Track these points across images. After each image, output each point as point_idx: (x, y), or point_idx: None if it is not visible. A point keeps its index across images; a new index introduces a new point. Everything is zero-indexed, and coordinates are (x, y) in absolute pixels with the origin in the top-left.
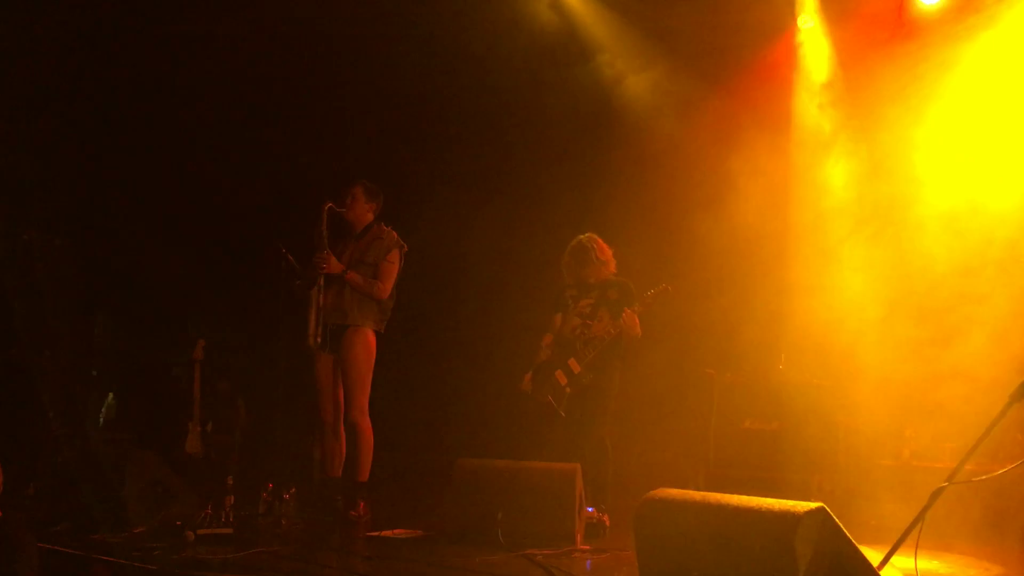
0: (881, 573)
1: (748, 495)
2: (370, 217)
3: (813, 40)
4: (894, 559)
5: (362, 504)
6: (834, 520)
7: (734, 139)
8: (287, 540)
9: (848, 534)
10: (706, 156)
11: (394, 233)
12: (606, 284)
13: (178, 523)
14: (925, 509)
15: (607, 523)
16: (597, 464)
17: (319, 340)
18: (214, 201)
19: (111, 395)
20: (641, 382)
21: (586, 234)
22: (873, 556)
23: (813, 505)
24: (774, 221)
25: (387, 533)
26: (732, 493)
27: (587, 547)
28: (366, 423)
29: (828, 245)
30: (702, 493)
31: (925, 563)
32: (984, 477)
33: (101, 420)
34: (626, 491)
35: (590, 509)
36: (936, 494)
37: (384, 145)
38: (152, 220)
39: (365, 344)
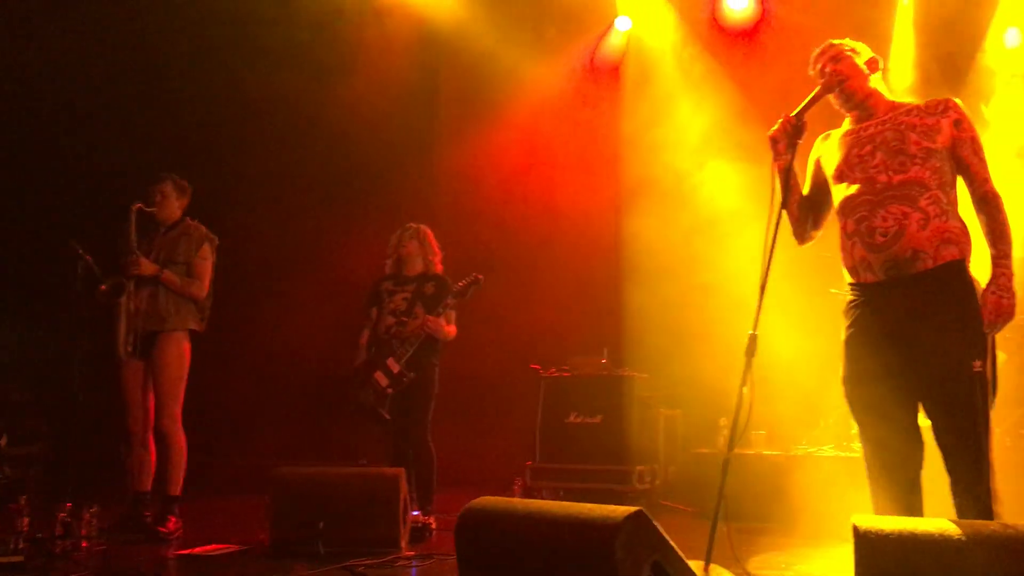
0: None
1: (573, 487)
2: (179, 214)
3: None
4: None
5: (172, 519)
6: (653, 524)
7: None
8: (86, 565)
9: (668, 537)
10: (530, 148)
11: (202, 227)
12: (424, 278)
13: None
14: (721, 485)
15: (433, 526)
16: (421, 466)
17: (130, 348)
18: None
19: None
20: (468, 379)
21: None
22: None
23: (631, 509)
24: (603, 216)
25: (200, 550)
26: (558, 485)
27: (412, 552)
28: (178, 432)
29: (654, 240)
30: (524, 501)
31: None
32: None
33: None
34: (453, 491)
35: (415, 512)
36: (724, 466)
37: (189, 140)
38: None
39: (179, 350)
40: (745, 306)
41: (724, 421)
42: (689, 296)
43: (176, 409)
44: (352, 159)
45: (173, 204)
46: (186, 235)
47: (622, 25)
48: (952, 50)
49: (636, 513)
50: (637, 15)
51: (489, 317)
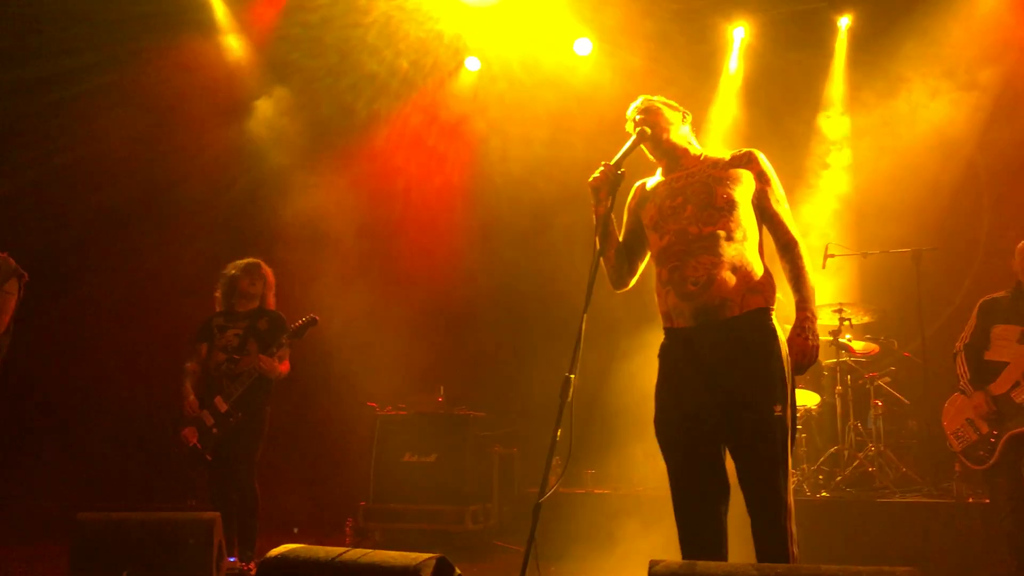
0: None
1: (406, 527)
2: None
3: None
4: None
5: None
6: (453, 570)
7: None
8: None
9: None
10: (377, 183)
11: (11, 260)
12: (257, 314)
13: None
14: (532, 529)
15: (253, 573)
16: (244, 510)
17: None
18: None
19: None
20: (302, 418)
21: None
22: None
23: (430, 556)
24: (442, 253)
25: None
26: (391, 527)
27: None
28: None
29: (492, 278)
30: (327, 548)
31: None
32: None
33: None
34: (284, 535)
35: (232, 559)
36: (536, 512)
37: None
38: None
39: None
40: (587, 343)
41: (557, 459)
42: (528, 334)
43: None
44: (177, 191)
45: None
46: None
47: (472, 65)
48: (782, 116)
49: (437, 559)
50: (486, 53)
51: (324, 354)
